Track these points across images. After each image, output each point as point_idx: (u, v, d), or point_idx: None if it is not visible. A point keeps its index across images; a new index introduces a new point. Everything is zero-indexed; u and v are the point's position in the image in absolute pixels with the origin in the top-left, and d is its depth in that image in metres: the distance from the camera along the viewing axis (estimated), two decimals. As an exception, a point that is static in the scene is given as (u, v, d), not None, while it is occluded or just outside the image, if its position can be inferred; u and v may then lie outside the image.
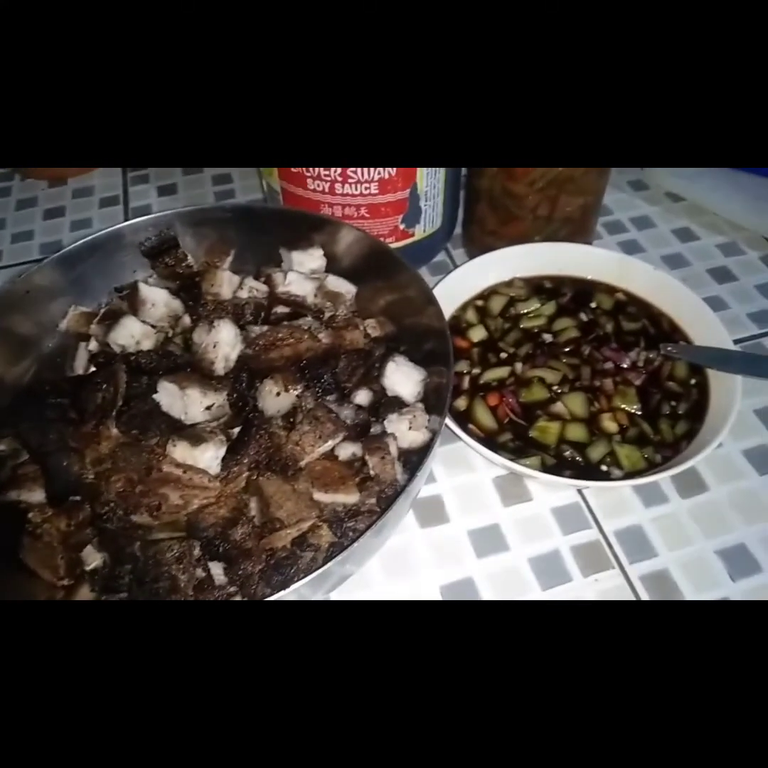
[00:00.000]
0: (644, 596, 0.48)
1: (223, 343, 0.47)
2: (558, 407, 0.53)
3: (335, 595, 0.47)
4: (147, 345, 0.49)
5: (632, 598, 0.48)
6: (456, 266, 0.71)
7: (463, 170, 0.67)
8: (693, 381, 0.55)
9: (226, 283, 0.52)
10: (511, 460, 0.49)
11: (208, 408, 0.44)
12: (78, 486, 0.40)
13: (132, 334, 0.49)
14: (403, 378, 0.49)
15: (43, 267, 0.54)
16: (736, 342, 0.59)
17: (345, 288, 0.54)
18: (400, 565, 0.49)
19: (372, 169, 0.58)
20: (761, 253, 0.72)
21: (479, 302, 0.62)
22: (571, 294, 0.62)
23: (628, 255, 0.70)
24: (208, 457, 0.42)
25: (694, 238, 0.75)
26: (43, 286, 0.54)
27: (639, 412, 0.53)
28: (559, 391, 0.54)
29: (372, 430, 0.48)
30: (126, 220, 0.79)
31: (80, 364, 0.52)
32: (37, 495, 0.42)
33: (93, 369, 0.51)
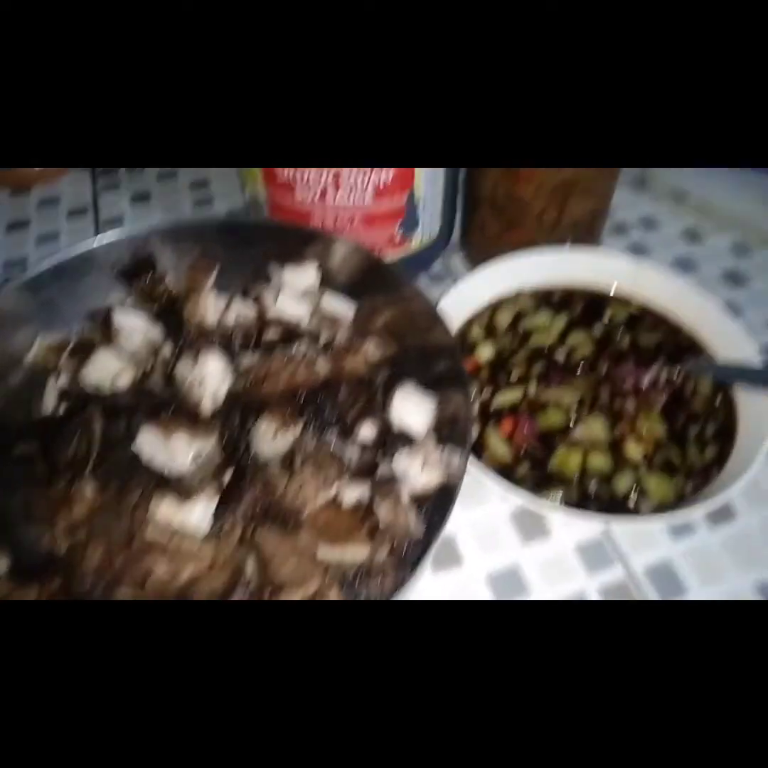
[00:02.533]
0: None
1: (211, 379, 0.42)
2: (577, 433, 0.49)
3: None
4: (124, 381, 0.44)
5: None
6: (455, 274, 0.67)
7: (461, 173, 0.62)
8: (719, 400, 0.52)
9: (210, 308, 0.46)
10: (532, 496, 0.45)
11: (196, 456, 0.39)
12: (49, 561, 0.35)
13: (107, 371, 0.44)
14: (412, 409, 0.44)
15: (5, 294, 0.48)
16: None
17: (342, 309, 0.49)
18: (413, 616, 0.45)
19: (366, 174, 0.53)
20: (775, 253, 0.69)
21: (485, 317, 0.57)
22: (583, 305, 0.58)
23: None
24: (198, 514, 0.37)
25: (703, 239, 0.71)
26: (7, 315, 0.48)
27: (664, 437, 0.49)
28: (578, 415, 0.50)
29: (379, 470, 0.43)
30: (96, 232, 0.74)
31: (49, 403, 0.47)
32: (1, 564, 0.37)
33: (63, 408, 0.45)
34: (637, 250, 0.70)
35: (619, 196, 0.74)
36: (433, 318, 0.47)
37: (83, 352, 0.45)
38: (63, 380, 0.47)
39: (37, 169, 0.78)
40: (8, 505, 0.36)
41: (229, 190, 0.76)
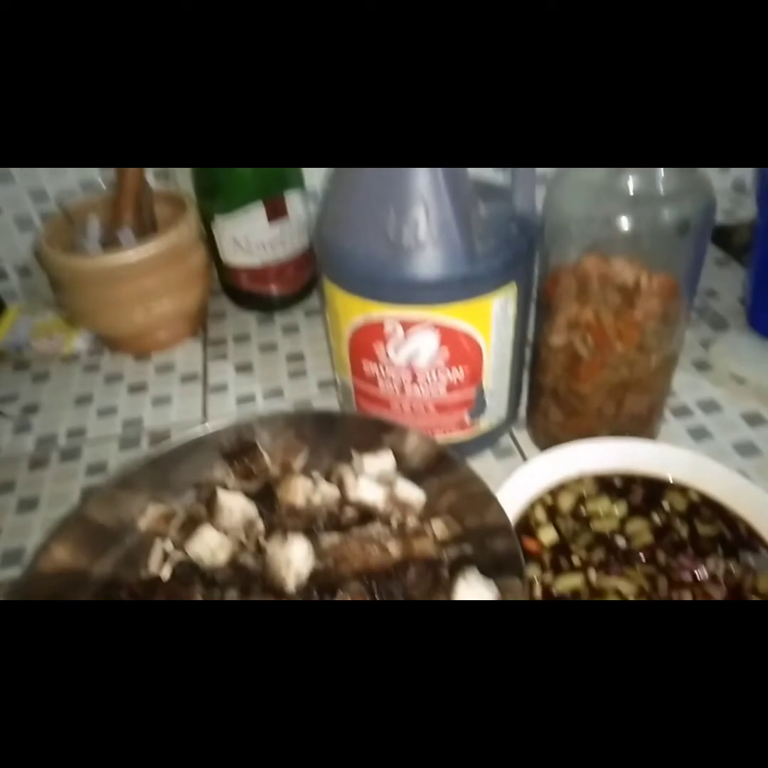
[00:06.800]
0: None
1: (295, 561, 0.48)
2: (635, 625, 0.51)
3: None
4: (222, 555, 0.51)
5: None
6: (521, 448, 0.72)
7: (526, 366, 0.69)
8: (780, 598, 0.53)
9: (300, 492, 0.53)
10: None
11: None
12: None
13: (208, 545, 0.50)
14: (474, 597, 0.48)
15: (132, 471, 0.57)
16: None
17: (414, 496, 0.55)
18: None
19: (440, 373, 0.60)
20: (838, 441, 0.71)
21: (548, 499, 0.62)
22: (643, 492, 0.61)
23: (698, 444, 0.71)
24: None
25: (764, 423, 0.74)
26: (127, 484, 0.57)
27: (724, 635, 0.50)
28: (636, 606, 0.52)
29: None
30: (204, 397, 0.84)
31: (154, 564, 0.54)
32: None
33: (167, 571, 0.52)
34: (699, 434, 0.73)
35: (679, 378, 0.78)
36: (488, 498, 0.52)
37: (190, 525, 0.53)
38: (169, 546, 0.54)
39: (158, 338, 0.91)
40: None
41: (320, 364, 0.86)
